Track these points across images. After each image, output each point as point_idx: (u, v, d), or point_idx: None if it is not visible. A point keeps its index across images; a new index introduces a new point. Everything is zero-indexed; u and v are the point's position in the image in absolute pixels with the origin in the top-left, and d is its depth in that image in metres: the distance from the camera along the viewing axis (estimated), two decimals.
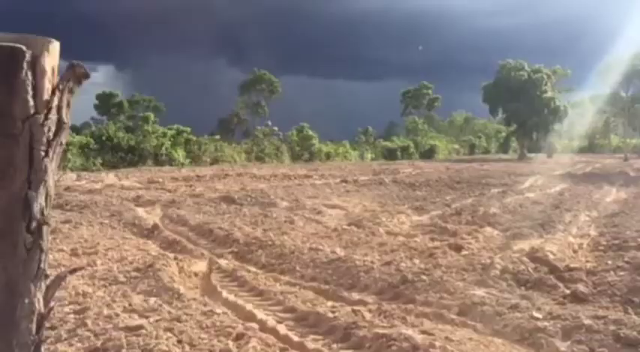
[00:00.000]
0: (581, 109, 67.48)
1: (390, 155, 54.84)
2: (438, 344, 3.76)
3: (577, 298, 5.32)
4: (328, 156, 49.96)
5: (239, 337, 4.11)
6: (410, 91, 76.13)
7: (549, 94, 55.63)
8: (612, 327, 4.28)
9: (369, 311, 4.80)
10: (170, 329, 4.27)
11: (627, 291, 5.39)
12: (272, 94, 60.87)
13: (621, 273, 6.20)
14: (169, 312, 4.72)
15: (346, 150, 53.41)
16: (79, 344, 4.00)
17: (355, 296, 5.54)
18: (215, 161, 39.33)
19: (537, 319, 4.49)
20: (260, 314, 4.84)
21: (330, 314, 4.64)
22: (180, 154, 36.86)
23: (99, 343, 4.00)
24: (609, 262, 6.85)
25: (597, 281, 5.83)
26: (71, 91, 1.44)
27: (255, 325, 4.44)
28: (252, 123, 60.14)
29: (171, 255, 7.04)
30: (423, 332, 4.14)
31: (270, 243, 8.01)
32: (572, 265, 6.58)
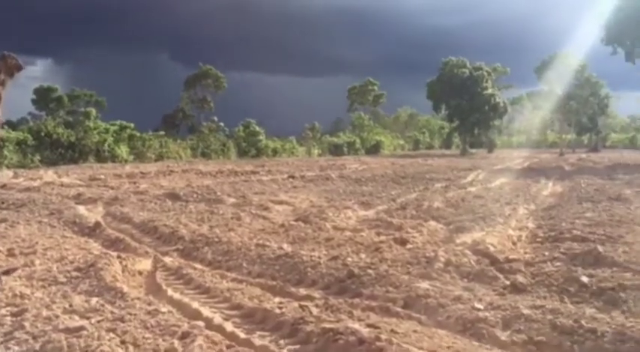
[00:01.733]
0: (519, 106, 69.81)
1: (336, 151, 55.22)
2: (383, 337, 3.82)
3: (516, 288, 5.50)
4: (275, 152, 49.85)
5: (185, 336, 4.06)
6: (356, 88, 76.83)
7: (489, 91, 57.27)
8: (549, 316, 4.44)
9: (316, 306, 4.82)
10: (113, 330, 4.17)
11: (563, 281, 5.61)
12: (218, 90, 60.18)
13: (557, 264, 6.46)
14: (112, 312, 4.60)
15: (293, 146, 53.44)
16: (16, 348, 3.86)
17: (302, 291, 5.56)
18: (160, 157, 38.62)
19: (479, 310, 4.62)
20: (206, 312, 4.78)
21: (277, 310, 4.64)
22: (123, 151, 36.00)
23: (37, 345, 3.87)
24: (546, 253, 7.11)
25: (535, 272, 6.04)
26: (3, 84, 1.39)
27: (201, 323, 4.39)
28: (197, 119, 59.37)
29: (114, 254, 6.87)
30: (369, 325, 4.20)
31: (216, 239, 7.93)
32: (511, 257, 6.80)
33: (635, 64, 35.80)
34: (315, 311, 4.62)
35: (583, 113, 59.26)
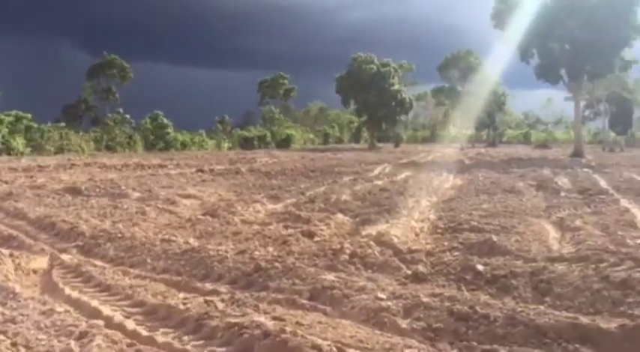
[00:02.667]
0: (424, 102, 72.36)
1: (246, 144, 54.84)
2: (288, 329, 3.85)
3: (417, 278, 5.71)
4: (184, 145, 48.80)
5: (82, 335, 3.90)
6: (267, 81, 76.56)
7: (396, 87, 58.86)
8: (447, 303, 4.65)
9: (222, 300, 4.78)
10: (3, 332, 3.94)
11: (460, 270, 5.89)
12: (123, 80, 57.94)
13: (456, 253, 6.78)
14: (3, 313, 4.34)
15: (203, 139, 52.55)
16: None
17: (208, 286, 5.49)
18: (60, 150, 36.73)
19: (381, 299, 4.76)
20: (106, 311, 4.62)
21: (182, 306, 4.56)
22: (19, 143, 33.93)
23: None
24: (446, 243, 7.46)
25: (435, 262, 6.30)
26: None
27: (100, 322, 4.23)
28: (102, 111, 56.87)
29: (6, 252, 6.47)
30: (275, 318, 4.22)
31: (119, 235, 7.67)
32: (413, 247, 7.06)
33: (529, 63, 38.03)
34: (220, 305, 4.58)
35: (482, 110, 62.25)
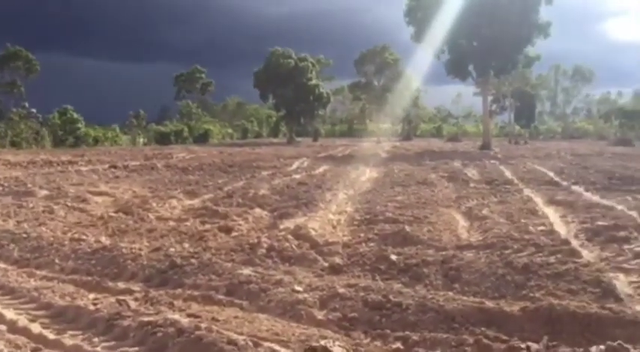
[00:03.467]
0: (341, 97, 73.27)
1: (163, 139, 53.42)
2: (203, 325, 3.81)
3: (334, 269, 5.81)
4: (96, 140, 46.86)
5: None
6: (183, 75, 74.72)
7: (314, 82, 59.23)
8: (362, 293, 4.76)
9: (135, 299, 4.66)
10: None
11: (375, 260, 6.03)
12: (29, 73, 54.64)
13: (371, 244, 6.94)
14: None
15: (116, 135, 50.68)
16: None
17: (121, 285, 5.33)
18: None
19: (298, 292, 4.80)
20: (9, 315, 4.38)
21: (92, 307, 4.40)
22: None
23: None
24: (362, 235, 7.61)
25: (351, 253, 6.42)
26: None
27: (2, 327, 4.01)
28: (6, 105, 53.40)
29: None
30: (190, 315, 4.16)
31: (24, 235, 7.28)
32: (330, 240, 7.16)
33: (440, 60, 39.39)
34: (133, 305, 4.46)
35: (397, 104, 63.80)
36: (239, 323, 4.07)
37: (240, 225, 8.36)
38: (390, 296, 4.63)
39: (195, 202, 11.20)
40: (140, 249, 6.44)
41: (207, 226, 8.23)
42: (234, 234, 7.65)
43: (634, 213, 8.76)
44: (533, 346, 3.74)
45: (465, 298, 4.69)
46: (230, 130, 71.26)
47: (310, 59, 60.34)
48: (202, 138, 58.84)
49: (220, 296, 4.86)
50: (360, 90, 67.36)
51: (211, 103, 78.65)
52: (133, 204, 10.52)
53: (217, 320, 4.07)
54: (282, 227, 8.17)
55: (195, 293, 4.96)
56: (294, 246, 6.65)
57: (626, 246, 6.53)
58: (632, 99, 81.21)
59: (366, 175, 17.28)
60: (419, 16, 38.23)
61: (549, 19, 36.48)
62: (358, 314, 4.38)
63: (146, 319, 3.98)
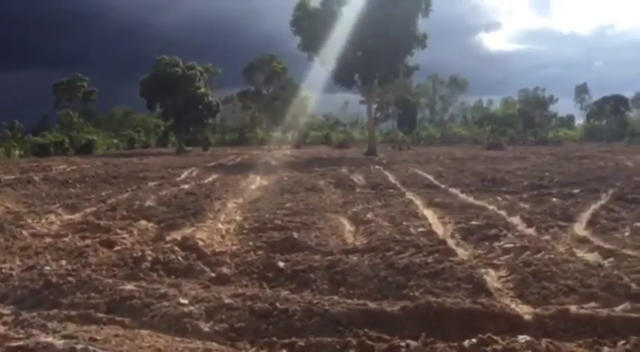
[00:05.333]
0: (231, 105, 72.73)
1: (41, 151, 50.06)
2: (79, 346, 3.62)
3: (221, 280, 5.75)
4: None
5: None
6: (63, 83, 70.72)
7: (203, 90, 58.31)
8: (249, 303, 4.74)
9: (4, 323, 4.34)
10: None
11: (263, 268, 6.05)
12: None
13: (259, 252, 6.95)
14: None
15: None
16: None
17: None
18: None
19: (183, 305, 4.70)
20: None
21: None
22: None
23: None
24: (250, 243, 7.60)
25: (239, 262, 6.40)
26: None
27: None
28: None
29: None
30: (66, 336, 3.93)
31: None
32: (218, 250, 7.08)
33: (327, 69, 40.27)
34: (1, 329, 4.15)
35: (287, 112, 64.32)
36: (119, 342, 3.91)
37: (123, 238, 8.04)
38: (277, 304, 4.66)
39: (76, 216, 10.63)
40: (11, 269, 6.02)
41: (88, 241, 7.83)
42: (116, 248, 7.34)
43: (503, 213, 9.46)
44: (412, 344, 3.92)
45: (349, 301, 4.83)
46: (116, 141, 68.30)
47: (198, 67, 59.34)
48: (85, 149, 55.85)
49: (100, 315, 4.64)
50: (250, 99, 67.25)
51: (95, 113, 75.01)
52: (5, 220, 9.78)
53: (95, 340, 3.88)
54: (168, 239, 7.95)
55: (73, 312, 4.70)
56: (180, 258, 6.50)
57: (496, 244, 7.04)
58: (502, 106, 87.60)
59: (256, 183, 17.26)
60: (305, 26, 38.89)
61: (426, 31, 38.53)
62: (245, 324, 4.37)
63: (15, 344, 3.72)
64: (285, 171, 22.01)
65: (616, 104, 79.50)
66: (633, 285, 5.05)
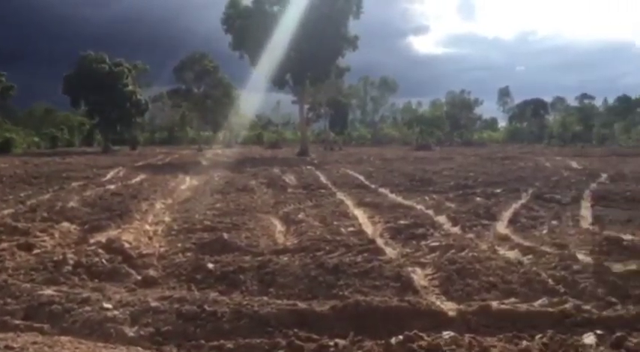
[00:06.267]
0: (161, 103, 71.12)
1: None
2: None
3: (147, 283, 5.60)
4: None
5: None
6: None
7: (130, 88, 56.70)
8: (176, 305, 4.64)
9: None
10: None
11: (192, 270, 5.94)
12: None
13: (188, 254, 6.81)
14: None
15: None
16: None
17: None
18: None
19: (107, 309, 4.54)
20: None
21: None
22: None
23: None
24: (179, 245, 7.43)
25: (167, 264, 6.25)
26: None
27: None
28: None
29: None
30: None
31: None
32: (145, 252, 6.89)
33: (259, 69, 40.08)
34: None
35: (218, 112, 63.55)
36: (37, 349, 3.73)
37: (43, 241, 7.67)
38: (205, 306, 4.59)
39: None
40: None
41: (4, 244, 7.41)
42: (35, 251, 7.00)
43: (430, 212, 9.71)
44: (341, 342, 3.96)
45: (279, 301, 4.81)
46: (37, 139, 65.27)
47: (126, 64, 57.64)
48: (3, 148, 53.07)
49: (17, 321, 4.42)
50: (180, 98, 65.88)
51: (14, 110, 71.33)
52: None
53: (12, 348, 3.68)
54: (92, 241, 7.65)
55: None
56: (104, 261, 6.28)
57: (423, 242, 7.22)
58: (430, 108, 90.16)
59: (186, 184, 16.95)
60: (236, 24, 38.55)
61: (358, 33, 39.08)
62: (172, 327, 4.27)
63: None
64: (216, 171, 21.73)
65: (536, 107, 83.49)
66: (550, 281, 5.30)
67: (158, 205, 11.57)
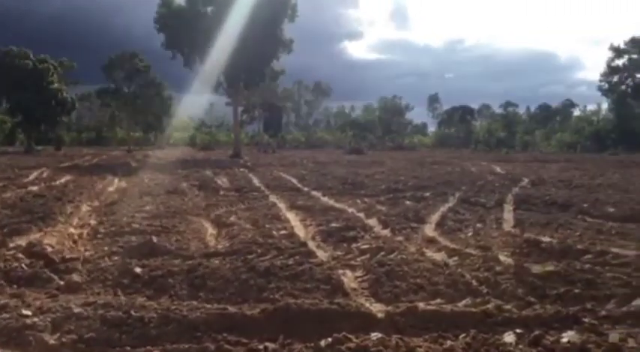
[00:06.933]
0: (89, 102, 68.75)
1: None
2: None
3: (70, 288, 5.39)
4: None
5: None
6: None
7: (56, 86, 54.53)
8: (101, 311, 4.49)
9: None
10: None
11: (118, 275, 5.77)
12: None
13: (115, 258, 6.62)
14: None
15: None
16: None
17: None
18: None
19: (26, 316, 4.35)
20: None
21: None
22: None
23: None
24: (105, 248, 7.20)
25: (92, 269, 6.05)
26: None
27: None
28: None
29: None
30: None
31: None
32: (69, 256, 6.64)
33: (192, 69, 39.49)
34: None
35: (149, 112, 62.10)
36: None
37: None
38: (132, 312, 4.47)
39: None
40: None
41: None
42: None
43: (362, 215, 9.86)
44: (270, 346, 3.96)
45: (208, 306, 4.75)
46: None
47: (51, 61, 55.37)
48: None
49: None
50: (110, 97, 63.93)
51: None
52: None
53: None
54: (12, 245, 7.29)
55: None
56: (24, 266, 6.01)
57: (354, 245, 7.32)
58: (363, 112, 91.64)
59: (114, 185, 16.46)
60: (169, 23, 37.81)
61: (293, 36, 39.19)
62: (96, 334, 4.13)
63: None
64: (146, 172, 21.21)
65: (463, 114, 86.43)
66: (474, 282, 5.50)
67: (84, 207, 11.18)
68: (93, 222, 9.59)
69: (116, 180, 18.02)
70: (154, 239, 7.40)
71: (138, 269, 5.87)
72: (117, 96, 62.30)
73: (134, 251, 6.94)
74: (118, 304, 4.74)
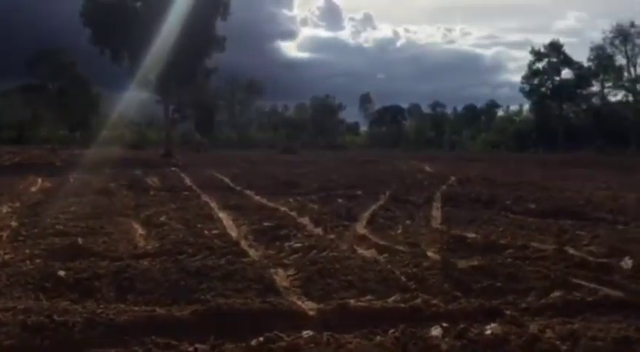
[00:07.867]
0: (10, 100, 65.50)
1: None
2: None
3: None
4: None
5: None
6: None
7: None
8: (21, 317, 4.30)
9: None
10: None
11: (40, 278, 5.54)
12: None
13: (37, 261, 6.34)
14: None
15: None
16: None
17: None
18: None
19: None
20: None
21: None
22: None
23: None
24: (27, 251, 6.90)
25: (11, 273, 5.77)
26: None
27: None
28: None
29: None
30: None
31: None
32: None
33: (121, 66, 38.34)
34: None
35: (75, 110, 59.89)
36: None
37: None
38: (55, 316, 4.30)
39: None
40: None
41: None
42: None
43: (294, 214, 9.90)
44: (201, 347, 3.91)
45: (136, 308, 4.64)
46: None
47: None
48: None
49: None
50: (33, 94, 61.13)
51: None
52: None
53: None
54: None
55: None
56: None
57: (286, 244, 7.34)
58: (295, 111, 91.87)
59: (37, 186, 15.77)
60: (96, 18, 36.55)
61: (225, 34, 38.73)
62: (15, 341, 3.95)
63: None
64: (71, 172, 20.41)
65: (394, 113, 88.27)
66: (403, 278, 5.63)
67: (4, 209, 10.66)
68: (14, 223, 9.15)
69: (39, 180, 17.25)
70: (80, 240, 7.18)
71: (62, 272, 5.65)
72: (41, 93, 59.74)
73: (58, 253, 6.69)
74: (40, 308, 4.55)
